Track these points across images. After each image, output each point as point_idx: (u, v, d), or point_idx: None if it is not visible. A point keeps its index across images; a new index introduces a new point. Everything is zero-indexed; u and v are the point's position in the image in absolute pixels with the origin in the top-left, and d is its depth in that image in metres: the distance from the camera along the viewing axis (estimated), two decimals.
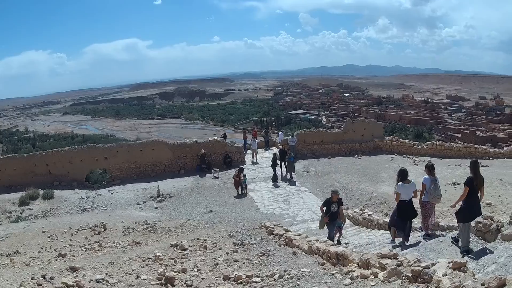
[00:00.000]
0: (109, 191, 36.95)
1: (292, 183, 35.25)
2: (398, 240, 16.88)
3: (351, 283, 11.37)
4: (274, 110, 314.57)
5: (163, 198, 33.81)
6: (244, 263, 17.33)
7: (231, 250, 19.20)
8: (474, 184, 14.36)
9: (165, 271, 15.99)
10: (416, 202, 16.90)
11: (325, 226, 20.01)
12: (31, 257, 19.30)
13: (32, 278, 14.52)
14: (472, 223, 14.82)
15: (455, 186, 30.09)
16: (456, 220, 15.09)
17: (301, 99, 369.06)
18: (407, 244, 16.27)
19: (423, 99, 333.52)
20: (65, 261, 18.52)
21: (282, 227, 21.90)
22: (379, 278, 10.77)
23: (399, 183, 16.38)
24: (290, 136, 44.11)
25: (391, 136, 49.36)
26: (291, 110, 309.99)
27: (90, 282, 14.44)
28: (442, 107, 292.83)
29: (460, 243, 14.36)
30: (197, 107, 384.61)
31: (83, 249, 21.37)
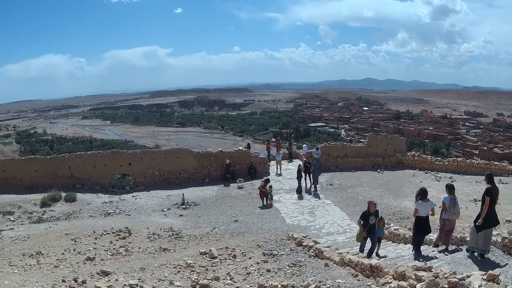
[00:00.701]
0: (132, 196, 37.13)
1: (316, 195, 35.27)
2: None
3: None
4: (293, 122, 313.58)
5: (187, 206, 33.82)
6: (276, 273, 17.42)
7: (261, 260, 19.26)
8: (493, 194, 15.46)
9: (198, 278, 16.15)
10: (433, 219, 18.32)
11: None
12: (58, 259, 19.52)
13: (63, 281, 14.81)
14: (499, 239, 15.78)
15: (476, 202, 29.92)
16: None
17: (320, 112, 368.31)
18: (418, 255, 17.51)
19: (441, 114, 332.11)
20: (95, 265, 18.79)
21: (310, 238, 21.98)
22: None
23: (418, 201, 17.57)
24: (314, 149, 44.25)
25: (413, 152, 49.32)
26: (310, 123, 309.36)
27: (123, 287, 14.67)
28: (460, 123, 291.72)
29: (476, 250, 15.60)
30: (217, 117, 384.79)
31: (108, 253, 21.56)
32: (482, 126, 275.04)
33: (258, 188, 33.94)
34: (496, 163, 44.74)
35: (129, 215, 32.31)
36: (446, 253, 17.47)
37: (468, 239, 17.11)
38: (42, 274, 15.95)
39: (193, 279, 16.19)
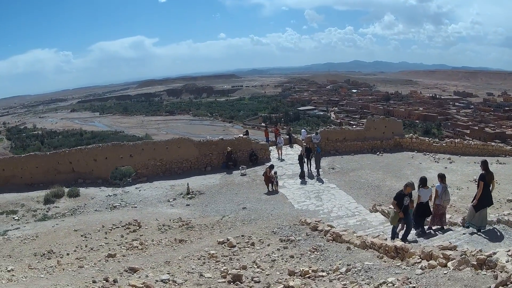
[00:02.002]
0: (136, 188, 37.15)
1: (319, 179, 35.46)
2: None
3: (422, 272, 11.92)
4: (282, 106, 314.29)
5: (193, 195, 33.89)
6: (300, 258, 17.52)
7: (281, 247, 19.39)
8: (487, 179, 18.02)
9: (227, 268, 16.19)
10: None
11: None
12: (77, 258, 19.67)
13: (94, 282, 14.88)
14: (506, 217, 18.04)
15: (475, 182, 30.19)
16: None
17: (309, 95, 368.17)
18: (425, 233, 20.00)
19: (431, 95, 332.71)
20: (119, 261, 18.88)
21: (324, 223, 22.24)
22: (449, 267, 11.48)
23: (420, 188, 20.06)
24: (314, 134, 44.55)
25: (411, 134, 49.61)
26: (299, 106, 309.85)
27: (156, 283, 14.71)
28: (450, 103, 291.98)
29: (471, 226, 18.49)
30: (205, 104, 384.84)
31: (123, 247, 21.74)
32: (472, 106, 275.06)
33: (263, 175, 34.17)
34: (493, 144, 45.33)
35: (136, 207, 32.38)
36: (440, 232, 19.85)
37: (466, 216, 19.44)
38: (70, 276, 16.07)
39: (222, 269, 16.26)
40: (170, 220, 27.16)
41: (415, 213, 20.23)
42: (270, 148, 45.34)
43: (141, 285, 13.82)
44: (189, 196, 33.88)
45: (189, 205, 31.92)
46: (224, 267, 16.63)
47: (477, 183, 18.88)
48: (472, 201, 18.44)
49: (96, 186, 38.38)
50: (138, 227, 25.59)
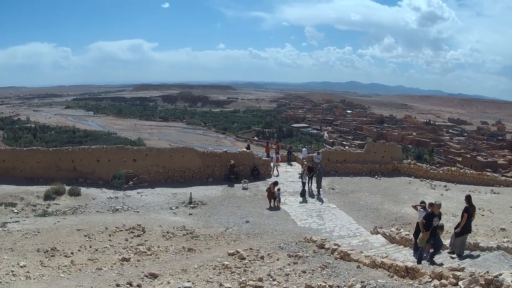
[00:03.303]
0: (138, 193, 37.31)
1: (319, 199, 35.98)
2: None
3: None
4: (276, 121, 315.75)
5: (195, 205, 34.27)
6: (312, 274, 17.90)
7: (291, 262, 19.73)
8: (470, 211, 20.65)
9: (246, 280, 16.67)
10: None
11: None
12: (89, 259, 19.82)
13: (118, 285, 15.32)
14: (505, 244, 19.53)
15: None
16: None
17: (304, 113, 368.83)
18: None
19: (425, 120, 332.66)
20: (136, 266, 19.14)
21: (330, 241, 22.64)
22: (460, 286, 12.56)
23: (421, 210, 22.06)
24: (315, 153, 45.12)
25: (409, 160, 50.37)
26: (293, 123, 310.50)
27: None
28: (444, 129, 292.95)
29: (456, 252, 20.45)
30: (200, 113, 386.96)
31: (128, 251, 22.00)
32: (465, 134, 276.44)
33: (266, 190, 34.51)
34: (488, 174, 45.82)
35: (138, 212, 32.60)
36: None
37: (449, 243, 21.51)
38: (91, 278, 16.41)
39: (241, 280, 16.76)
40: (174, 228, 27.45)
41: (415, 235, 21.11)
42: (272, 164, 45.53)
43: None
44: (192, 205, 34.20)
45: (191, 214, 32.31)
46: (242, 278, 17.10)
47: (461, 214, 21.08)
48: (455, 228, 20.92)
49: (97, 187, 38.48)
50: (142, 232, 25.92)
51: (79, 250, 21.51)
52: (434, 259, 19.79)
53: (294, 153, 53.15)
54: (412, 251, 21.70)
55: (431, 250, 20.07)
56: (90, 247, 22.23)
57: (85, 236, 24.30)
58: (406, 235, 24.12)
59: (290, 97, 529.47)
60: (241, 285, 16.14)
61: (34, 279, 16.05)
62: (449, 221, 27.59)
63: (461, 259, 19.50)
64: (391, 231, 25.55)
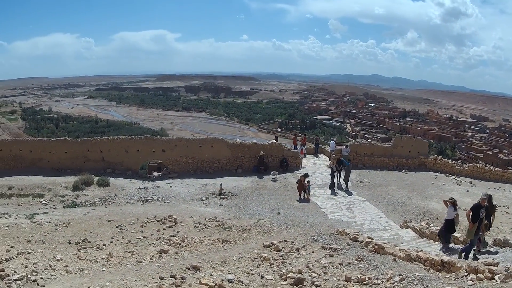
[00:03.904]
0: (167, 183, 37.31)
1: (348, 192, 36.15)
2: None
3: (473, 284, 13.19)
4: (299, 113, 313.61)
5: (226, 196, 34.33)
6: (350, 266, 18.16)
7: (327, 254, 20.00)
8: (490, 210, 20.80)
9: (286, 272, 16.92)
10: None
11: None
12: (127, 251, 20.09)
13: (162, 278, 15.48)
14: None
15: (496, 208, 31.22)
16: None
17: (326, 105, 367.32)
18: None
19: (447, 116, 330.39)
20: (176, 258, 19.34)
21: (363, 234, 22.94)
22: (496, 280, 12.94)
23: (450, 207, 22.22)
24: (344, 146, 45.09)
25: (435, 155, 49.92)
26: (316, 115, 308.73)
27: (222, 282, 15.21)
28: (466, 126, 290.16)
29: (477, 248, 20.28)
30: (223, 103, 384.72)
31: (162, 242, 22.22)
32: (487, 131, 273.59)
33: (296, 182, 34.69)
34: None
35: (168, 202, 32.68)
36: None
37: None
38: (133, 271, 16.62)
39: (281, 272, 17.03)
40: (205, 219, 27.60)
41: (444, 229, 22.20)
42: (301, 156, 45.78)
43: (213, 284, 14.54)
44: (222, 196, 34.27)
45: (222, 205, 32.40)
46: (283, 270, 17.34)
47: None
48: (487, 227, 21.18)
49: (126, 177, 38.58)
50: (174, 223, 26.06)
51: (111, 242, 21.75)
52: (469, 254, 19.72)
53: (321, 145, 53.49)
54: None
55: (462, 245, 20.59)
56: (123, 238, 22.49)
57: (116, 227, 24.52)
58: (436, 229, 24.22)
59: (313, 89, 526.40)
60: (282, 277, 16.40)
61: (75, 273, 16.22)
62: None
63: (482, 255, 19.98)
64: (421, 225, 25.80)
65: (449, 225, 21.90)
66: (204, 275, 16.27)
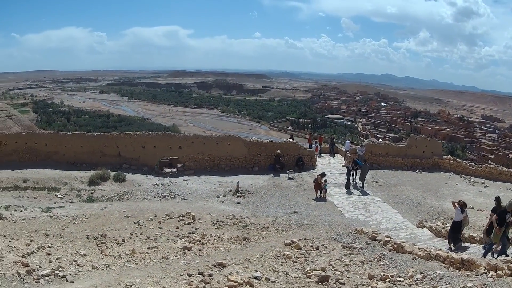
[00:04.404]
0: (184, 180, 37.52)
1: (363, 192, 36.22)
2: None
3: (493, 280, 13.59)
4: (311, 112, 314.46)
5: (242, 194, 34.57)
6: (371, 264, 18.55)
7: (347, 252, 20.37)
8: (498, 211, 20.48)
9: (310, 270, 17.25)
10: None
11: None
12: (150, 248, 20.43)
13: (190, 275, 15.86)
14: None
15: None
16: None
17: (338, 104, 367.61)
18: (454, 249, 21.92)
19: (458, 116, 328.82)
20: (201, 255, 19.72)
21: (381, 233, 23.40)
22: None
23: (458, 209, 22.80)
24: (359, 146, 45.21)
25: (449, 155, 49.98)
26: (327, 114, 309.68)
27: (250, 279, 15.55)
28: (477, 126, 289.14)
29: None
30: (234, 101, 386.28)
31: (182, 239, 22.54)
32: (498, 131, 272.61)
33: (313, 181, 34.80)
34: None
35: (185, 199, 32.84)
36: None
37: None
38: (160, 268, 16.98)
39: (306, 270, 17.37)
40: (223, 217, 27.75)
41: (450, 229, 22.90)
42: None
43: (242, 281, 14.86)
44: (239, 194, 34.41)
45: (239, 203, 32.53)
46: (307, 268, 17.69)
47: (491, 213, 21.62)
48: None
49: (142, 173, 38.78)
50: (192, 220, 26.28)
51: (130, 237, 22.12)
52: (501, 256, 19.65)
53: (336, 144, 53.59)
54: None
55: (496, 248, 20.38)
56: (141, 234, 22.81)
57: (134, 223, 24.86)
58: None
59: (325, 87, 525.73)
60: (307, 274, 16.75)
61: (102, 269, 16.52)
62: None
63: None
64: (437, 225, 26.02)
65: (456, 226, 22.53)
66: (231, 272, 16.57)
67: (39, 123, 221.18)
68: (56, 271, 14.60)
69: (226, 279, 15.46)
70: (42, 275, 13.90)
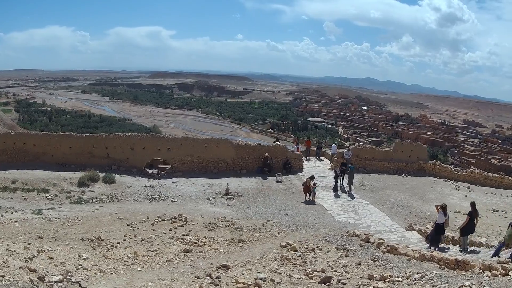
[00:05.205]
0: (173, 182, 37.67)
1: (351, 195, 36.63)
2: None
3: (489, 279, 14.24)
4: (291, 114, 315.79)
5: (232, 196, 34.64)
6: (368, 266, 18.84)
7: (343, 254, 20.72)
8: (473, 215, 23.02)
9: (312, 271, 17.63)
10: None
11: None
12: (150, 250, 20.58)
13: (198, 277, 16.09)
14: None
15: (494, 212, 33.04)
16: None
17: (319, 107, 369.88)
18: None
19: (440, 121, 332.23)
20: (203, 257, 20.05)
21: (373, 236, 23.86)
22: (510, 276, 14.15)
23: (441, 213, 23.77)
24: (346, 150, 45.43)
25: (435, 160, 50.95)
26: (308, 117, 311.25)
27: (255, 280, 15.85)
28: (459, 131, 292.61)
29: (462, 247, 22.89)
30: (215, 102, 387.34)
31: (177, 241, 22.69)
32: (480, 136, 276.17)
33: (302, 184, 35.19)
34: (509, 177, 46.21)
35: (176, 201, 32.95)
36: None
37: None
38: (167, 271, 17.21)
39: (307, 271, 17.72)
40: (215, 219, 27.90)
41: (434, 232, 23.97)
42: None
43: (250, 283, 15.22)
44: (228, 196, 34.60)
45: (229, 205, 32.73)
46: (309, 269, 18.05)
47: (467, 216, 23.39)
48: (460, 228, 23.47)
49: (131, 174, 38.91)
50: (185, 222, 26.39)
51: (124, 240, 22.18)
52: None
53: (322, 148, 53.93)
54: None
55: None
56: (135, 236, 22.89)
57: (127, 225, 24.88)
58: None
59: (306, 90, 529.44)
60: (309, 275, 17.06)
61: (110, 273, 16.57)
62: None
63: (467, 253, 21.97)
64: (426, 228, 26.50)
65: (439, 229, 23.67)
66: (236, 274, 16.87)
67: (21, 122, 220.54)
68: (67, 277, 14.45)
69: (234, 281, 15.77)
70: (55, 281, 13.74)
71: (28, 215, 25.57)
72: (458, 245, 23.54)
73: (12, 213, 26.13)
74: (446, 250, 22.87)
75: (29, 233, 21.36)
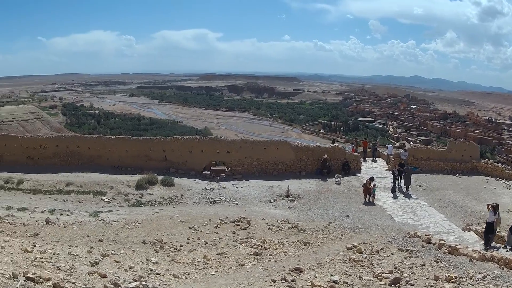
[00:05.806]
0: (232, 185, 38.18)
1: (408, 195, 36.88)
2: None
3: None
4: (342, 115, 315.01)
5: (293, 198, 35.19)
6: (432, 266, 19.30)
7: (406, 255, 21.14)
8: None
9: (381, 272, 18.32)
10: None
11: None
12: (219, 254, 21.20)
13: (274, 281, 16.59)
14: None
15: None
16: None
17: (369, 107, 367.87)
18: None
19: (487, 118, 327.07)
20: (275, 261, 20.57)
21: (433, 237, 24.19)
22: None
23: (491, 211, 24.42)
24: (402, 150, 45.68)
25: (487, 159, 51.24)
26: (359, 117, 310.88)
27: (329, 283, 16.41)
28: (505, 128, 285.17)
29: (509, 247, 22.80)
30: (266, 104, 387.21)
31: (242, 243, 23.46)
32: None
33: (362, 186, 35.60)
34: None
35: (237, 204, 33.54)
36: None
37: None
38: (242, 275, 17.76)
39: (376, 273, 18.38)
40: (277, 221, 28.40)
41: (484, 230, 24.43)
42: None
43: (325, 286, 15.84)
44: (289, 199, 35.18)
45: (291, 207, 33.28)
46: (378, 271, 18.71)
47: None
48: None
49: (190, 177, 39.42)
50: (248, 225, 27.02)
51: (187, 243, 22.89)
52: None
53: (379, 149, 54.09)
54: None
55: None
56: (199, 239, 23.62)
57: (189, 228, 25.65)
58: (497, 232, 25.24)
59: (355, 90, 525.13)
60: (378, 277, 17.77)
61: (185, 278, 17.07)
62: None
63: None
64: (483, 228, 26.23)
65: (489, 227, 23.88)
66: (309, 277, 17.43)
67: (69, 125, 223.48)
68: (142, 283, 14.49)
69: (309, 284, 16.23)
70: None
71: (85, 218, 26.61)
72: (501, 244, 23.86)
73: (68, 215, 27.17)
74: (496, 249, 22.78)
75: (88, 236, 22.25)
